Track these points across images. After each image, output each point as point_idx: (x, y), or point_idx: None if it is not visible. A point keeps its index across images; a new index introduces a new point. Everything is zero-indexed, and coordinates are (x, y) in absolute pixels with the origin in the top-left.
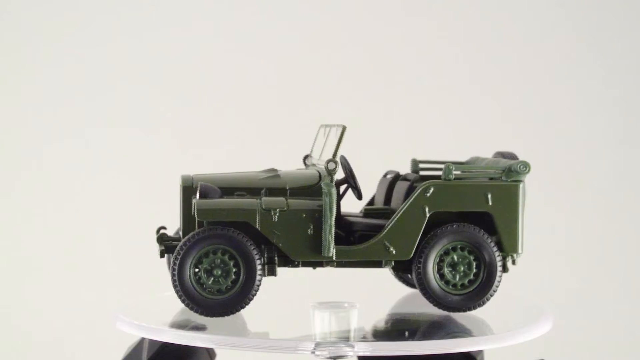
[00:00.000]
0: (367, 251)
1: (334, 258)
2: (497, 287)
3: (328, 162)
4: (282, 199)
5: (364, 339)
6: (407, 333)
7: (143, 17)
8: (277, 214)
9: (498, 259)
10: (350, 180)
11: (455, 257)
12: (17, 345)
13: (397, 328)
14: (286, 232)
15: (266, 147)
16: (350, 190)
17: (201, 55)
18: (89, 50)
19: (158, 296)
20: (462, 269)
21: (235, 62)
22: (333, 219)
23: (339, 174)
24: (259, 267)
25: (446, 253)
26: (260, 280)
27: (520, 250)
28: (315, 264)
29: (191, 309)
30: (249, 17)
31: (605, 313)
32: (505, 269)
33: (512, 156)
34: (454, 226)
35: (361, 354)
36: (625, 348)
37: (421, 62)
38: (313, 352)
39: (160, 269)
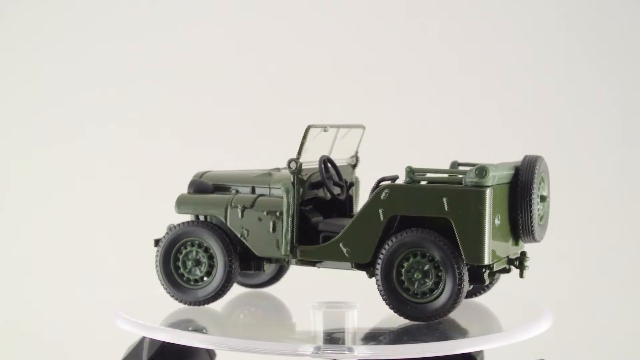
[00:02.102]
0: (325, 252)
1: (293, 257)
2: (458, 298)
3: (289, 161)
4: (252, 196)
5: (363, 341)
6: (406, 335)
7: (144, 17)
8: (243, 210)
9: (458, 268)
10: (324, 182)
11: (415, 264)
12: (16, 345)
13: (397, 329)
14: (250, 228)
15: (273, 146)
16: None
17: (203, 55)
18: (90, 50)
19: (159, 292)
20: (419, 276)
21: (238, 62)
22: (290, 218)
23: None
24: (228, 260)
25: (406, 259)
26: (231, 273)
27: (486, 261)
28: (277, 261)
29: (172, 296)
30: (251, 17)
31: (605, 313)
32: (481, 280)
33: (530, 160)
34: (412, 231)
35: (361, 357)
36: (625, 348)
37: (422, 63)
38: (313, 355)
39: None
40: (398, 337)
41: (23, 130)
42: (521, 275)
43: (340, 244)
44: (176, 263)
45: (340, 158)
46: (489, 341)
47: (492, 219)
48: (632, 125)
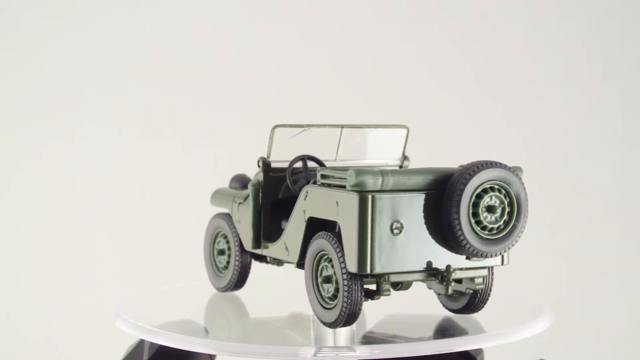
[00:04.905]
0: (275, 250)
1: (261, 253)
2: (347, 307)
3: (258, 160)
4: (248, 191)
5: (363, 341)
6: (405, 334)
7: (144, 17)
8: (239, 205)
9: (344, 275)
10: (288, 179)
11: (324, 269)
12: (16, 345)
13: (396, 329)
14: (240, 222)
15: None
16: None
17: (203, 55)
18: (89, 50)
19: (160, 291)
20: (324, 282)
21: (238, 62)
22: (257, 214)
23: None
24: (237, 253)
25: (320, 262)
26: (238, 263)
27: (369, 270)
28: (258, 257)
29: (209, 279)
30: (253, 17)
31: (605, 313)
32: (380, 291)
33: (464, 168)
34: (320, 235)
35: (361, 357)
36: (625, 348)
37: (422, 63)
38: (314, 358)
39: (161, 266)
40: (398, 336)
41: (23, 130)
42: (446, 291)
43: (284, 243)
44: (213, 250)
45: (377, 158)
46: (488, 339)
47: (377, 225)
48: (632, 125)
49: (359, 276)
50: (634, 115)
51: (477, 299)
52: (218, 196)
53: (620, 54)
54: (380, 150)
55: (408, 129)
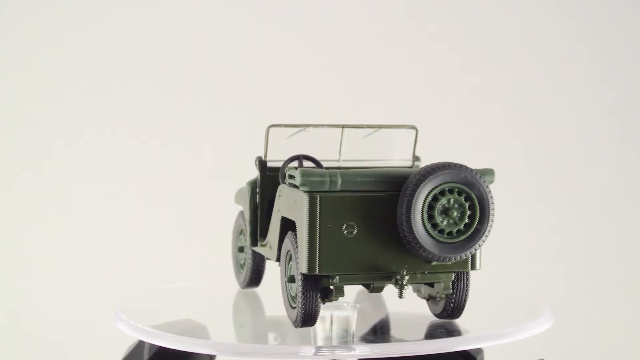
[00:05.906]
0: (264, 248)
1: (258, 251)
2: (302, 307)
3: (255, 160)
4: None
5: (363, 340)
6: (405, 334)
7: (143, 17)
8: (247, 204)
9: (299, 275)
10: (281, 178)
11: (290, 268)
12: (16, 345)
13: (397, 329)
14: (248, 221)
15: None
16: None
17: (206, 55)
18: (89, 53)
19: (160, 291)
20: (288, 279)
21: (238, 63)
22: (253, 213)
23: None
24: (247, 247)
25: (289, 261)
26: (251, 261)
27: (315, 270)
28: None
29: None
30: (256, 17)
31: (604, 313)
32: (328, 296)
33: (421, 169)
34: (288, 235)
35: (361, 356)
36: (625, 347)
37: (420, 63)
38: (314, 356)
39: (161, 266)
40: (398, 335)
41: (24, 131)
42: (400, 295)
43: (269, 240)
44: (236, 248)
45: (385, 158)
46: (488, 339)
47: (325, 226)
48: (632, 125)
49: (314, 277)
50: (634, 115)
51: (452, 305)
52: (238, 195)
53: (620, 54)
54: (388, 151)
55: (417, 129)
